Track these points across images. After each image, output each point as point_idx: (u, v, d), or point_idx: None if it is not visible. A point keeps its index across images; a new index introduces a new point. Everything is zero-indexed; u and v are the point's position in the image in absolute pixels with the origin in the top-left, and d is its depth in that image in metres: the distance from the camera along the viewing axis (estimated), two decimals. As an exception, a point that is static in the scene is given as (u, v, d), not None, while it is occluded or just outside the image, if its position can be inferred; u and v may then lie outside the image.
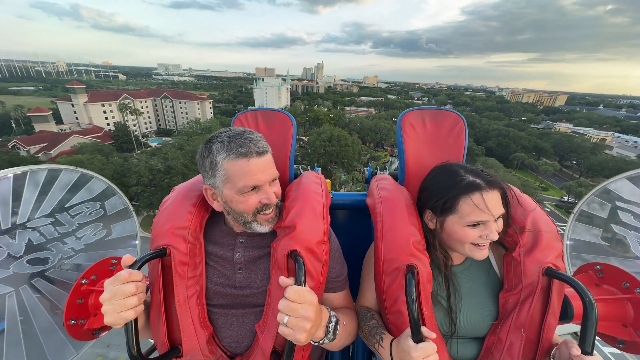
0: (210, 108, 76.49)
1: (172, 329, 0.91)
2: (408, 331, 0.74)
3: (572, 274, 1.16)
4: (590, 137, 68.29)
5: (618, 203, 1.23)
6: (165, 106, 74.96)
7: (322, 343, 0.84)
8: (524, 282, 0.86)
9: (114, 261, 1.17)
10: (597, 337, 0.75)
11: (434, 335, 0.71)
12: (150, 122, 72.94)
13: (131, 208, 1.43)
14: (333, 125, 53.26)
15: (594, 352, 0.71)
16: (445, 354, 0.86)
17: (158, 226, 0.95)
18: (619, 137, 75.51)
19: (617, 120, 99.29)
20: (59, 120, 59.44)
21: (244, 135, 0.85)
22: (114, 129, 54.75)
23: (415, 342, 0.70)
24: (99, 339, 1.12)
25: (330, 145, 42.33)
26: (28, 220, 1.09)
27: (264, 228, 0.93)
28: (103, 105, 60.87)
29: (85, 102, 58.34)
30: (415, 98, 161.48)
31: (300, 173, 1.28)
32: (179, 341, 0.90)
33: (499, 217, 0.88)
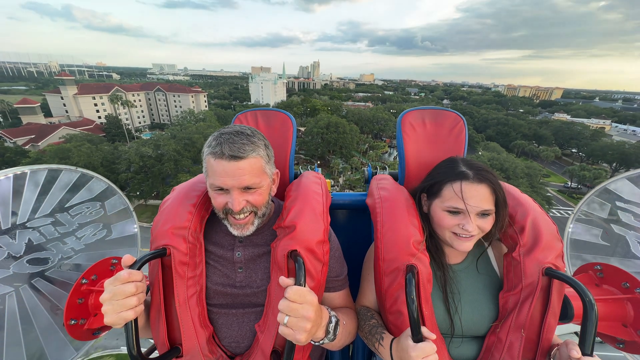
0: (205, 101, 75.16)
1: (172, 329, 0.91)
2: (408, 331, 0.74)
3: (572, 274, 1.14)
4: (590, 125, 67.80)
5: (618, 203, 1.22)
6: (159, 100, 73.48)
7: (322, 343, 0.84)
8: (524, 282, 0.86)
9: (114, 261, 1.17)
10: (597, 337, 0.75)
11: (433, 336, 0.71)
12: (143, 117, 71.40)
13: (131, 208, 1.39)
14: (330, 114, 52.15)
15: (594, 354, 0.71)
16: (445, 353, 0.87)
17: (158, 226, 0.94)
18: (616, 126, 75.45)
19: (614, 111, 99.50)
20: (48, 114, 57.43)
21: (230, 136, 0.85)
22: (105, 121, 53.16)
23: (414, 342, 0.71)
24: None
25: (328, 132, 41.31)
26: (28, 220, 1.08)
27: (234, 231, 0.93)
28: (94, 98, 59.06)
29: (75, 94, 56.63)
30: (412, 94, 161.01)
31: (300, 173, 1.27)
32: (179, 341, 0.90)
33: (485, 213, 0.87)
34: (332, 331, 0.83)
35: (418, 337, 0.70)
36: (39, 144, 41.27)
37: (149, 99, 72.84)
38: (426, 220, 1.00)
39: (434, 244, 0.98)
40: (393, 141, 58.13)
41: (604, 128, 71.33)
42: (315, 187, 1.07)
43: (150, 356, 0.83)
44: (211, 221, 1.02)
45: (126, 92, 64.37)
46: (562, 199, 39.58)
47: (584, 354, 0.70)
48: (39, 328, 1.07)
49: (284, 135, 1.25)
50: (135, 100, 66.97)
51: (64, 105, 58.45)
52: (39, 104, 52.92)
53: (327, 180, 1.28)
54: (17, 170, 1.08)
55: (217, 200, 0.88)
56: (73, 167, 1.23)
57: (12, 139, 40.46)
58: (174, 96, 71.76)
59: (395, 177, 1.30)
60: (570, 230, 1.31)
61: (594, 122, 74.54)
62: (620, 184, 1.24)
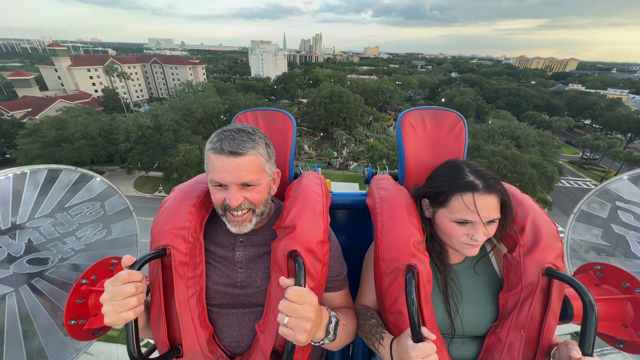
0: (204, 74, 72.79)
1: (172, 329, 0.92)
2: (408, 331, 0.74)
3: (572, 274, 1.15)
4: (606, 95, 64.56)
5: (618, 203, 1.21)
6: (156, 72, 71.30)
7: (322, 343, 0.85)
8: (524, 282, 0.86)
9: (114, 261, 1.17)
10: (596, 337, 0.76)
11: (433, 336, 0.71)
12: (141, 91, 69.55)
13: (131, 208, 1.41)
14: (333, 84, 50.01)
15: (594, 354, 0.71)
16: (445, 353, 0.87)
17: (158, 226, 0.94)
18: (634, 97, 71.92)
19: (632, 82, 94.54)
20: (43, 87, 55.84)
21: (230, 132, 0.86)
22: (102, 95, 51.73)
23: (414, 342, 0.71)
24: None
25: (332, 102, 39.72)
26: (28, 220, 1.09)
27: (232, 228, 0.93)
28: (89, 70, 57.23)
29: (69, 66, 54.76)
30: (419, 67, 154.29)
31: (301, 173, 1.28)
32: (179, 341, 0.91)
33: (492, 221, 0.87)
34: (332, 331, 0.84)
35: (418, 337, 0.70)
36: (37, 117, 40.36)
37: (146, 72, 70.66)
38: (427, 223, 0.98)
39: (436, 246, 0.97)
40: (398, 113, 56.21)
41: (621, 99, 68.08)
42: (315, 187, 1.06)
43: (150, 356, 0.84)
44: (212, 221, 1.02)
45: (122, 64, 62.08)
46: (573, 170, 38.57)
47: (584, 354, 0.70)
48: (39, 328, 1.06)
49: (284, 135, 1.25)
50: (131, 73, 64.82)
51: (59, 78, 56.54)
52: (33, 76, 51.38)
53: (327, 180, 1.27)
54: (17, 170, 1.07)
55: (216, 196, 0.88)
56: (73, 167, 1.22)
57: (9, 112, 39.52)
58: (172, 68, 69.53)
59: (395, 177, 1.30)
60: (570, 230, 1.30)
61: (610, 93, 71.05)
62: (620, 184, 1.22)
